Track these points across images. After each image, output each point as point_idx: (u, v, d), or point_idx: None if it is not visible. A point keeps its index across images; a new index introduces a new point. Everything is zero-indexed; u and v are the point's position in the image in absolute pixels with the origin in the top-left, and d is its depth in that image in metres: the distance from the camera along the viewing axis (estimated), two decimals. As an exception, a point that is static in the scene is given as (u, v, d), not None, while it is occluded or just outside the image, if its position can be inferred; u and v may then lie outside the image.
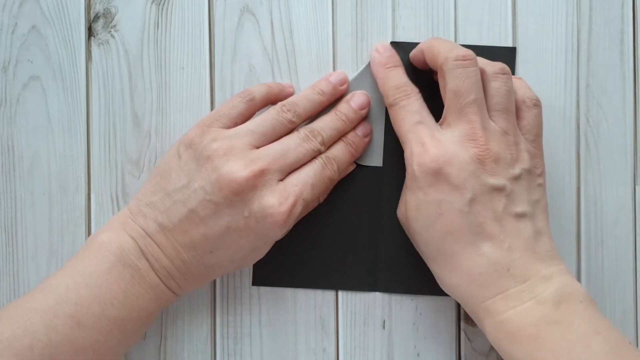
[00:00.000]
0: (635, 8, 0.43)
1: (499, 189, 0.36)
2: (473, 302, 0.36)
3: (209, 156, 0.37)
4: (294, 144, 0.39)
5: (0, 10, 0.43)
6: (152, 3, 0.43)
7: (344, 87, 0.42)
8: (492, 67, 0.38)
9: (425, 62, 0.40)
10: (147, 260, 0.37)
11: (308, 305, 0.43)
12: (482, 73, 0.38)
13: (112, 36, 0.43)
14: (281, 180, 0.38)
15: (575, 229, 0.43)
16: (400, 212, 0.40)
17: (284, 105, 0.39)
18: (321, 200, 0.42)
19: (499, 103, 0.37)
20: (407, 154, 0.38)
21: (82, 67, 0.43)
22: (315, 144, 0.39)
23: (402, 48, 0.42)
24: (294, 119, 0.39)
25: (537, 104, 0.39)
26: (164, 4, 0.43)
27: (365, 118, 0.42)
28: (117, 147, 0.43)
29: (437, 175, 0.36)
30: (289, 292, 0.43)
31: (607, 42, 0.43)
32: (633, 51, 0.43)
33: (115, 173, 0.43)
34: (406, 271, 0.42)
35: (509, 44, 0.43)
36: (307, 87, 0.41)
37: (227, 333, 0.43)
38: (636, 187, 0.43)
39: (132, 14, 0.43)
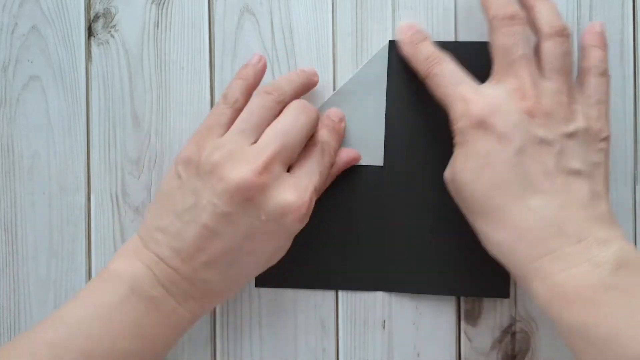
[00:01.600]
0: (635, 8, 0.43)
1: (548, 143, 0.35)
2: (521, 261, 0.34)
3: (210, 169, 0.36)
4: (291, 120, 0.37)
5: (0, 10, 0.43)
6: (152, 3, 0.43)
7: (316, 79, 0.42)
8: (549, 27, 0.37)
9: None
10: (163, 286, 0.35)
11: (308, 305, 0.43)
12: (539, 32, 0.37)
13: (112, 36, 0.43)
14: (288, 170, 0.37)
15: (575, 229, 0.43)
16: (448, 171, 0.38)
17: (267, 87, 0.39)
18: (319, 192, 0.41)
19: (551, 62, 0.37)
20: (451, 115, 0.37)
21: (82, 67, 0.43)
22: (311, 113, 0.38)
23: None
24: (280, 98, 0.38)
25: (604, 74, 0.38)
26: (164, 4, 0.43)
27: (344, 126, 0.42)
28: (117, 147, 0.43)
29: (483, 124, 0.35)
30: (289, 292, 0.43)
31: (607, 42, 0.43)
32: (633, 51, 0.43)
33: (115, 173, 0.43)
34: (407, 271, 0.42)
35: (509, 44, 0.43)
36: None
37: (227, 334, 0.43)
38: (636, 187, 0.43)
39: (132, 14, 0.43)
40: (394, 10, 0.43)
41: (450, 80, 0.37)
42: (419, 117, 0.42)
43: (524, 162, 0.34)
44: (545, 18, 0.38)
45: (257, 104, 0.38)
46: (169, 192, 0.37)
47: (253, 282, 0.43)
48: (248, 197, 0.35)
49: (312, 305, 0.43)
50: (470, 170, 0.35)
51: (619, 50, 0.43)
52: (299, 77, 0.40)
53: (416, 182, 0.42)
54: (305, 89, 0.41)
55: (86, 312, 0.35)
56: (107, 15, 0.43)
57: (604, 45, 0.39)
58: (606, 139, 0.37)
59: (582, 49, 0.39)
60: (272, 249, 0.37)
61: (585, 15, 0.43)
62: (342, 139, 0.42)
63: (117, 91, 0.43)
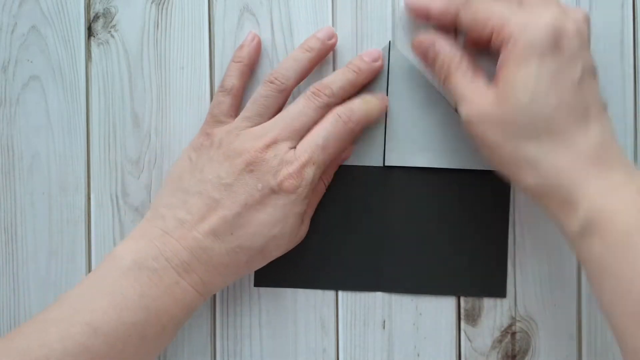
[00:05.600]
0: (635, 8, 0.43)
1: (595, 75, 0.36)
2: (573, 185, 0.34)
3: (219, 148, 0.38)
4: (298, 107, 0.39)
5: (0, 10, 0.43)
6: (152, 3, 0.43)
7: (333, 40, 0.41)
8: None
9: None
10: (165, 258, 0.36)
11: (308, 305, 0.43)
12: None
13: (112, 36, 0.43)
14: (294, 147, 0.38)
15: (575, 229, 0.43)
16: (483, 99, 0.36)
17: (270, 75, 0.40)
18: (326, 184, 0.41)
19: None
20: (512, 29, 0.35)
21: (82, 67, 0.43)
22: (323, 99, 0.39)
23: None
24: (283, 86, 0.39)
25: None
26: (164, 4, 0.43)
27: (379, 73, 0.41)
28: (117, 147, 0.43)
29: (554, 41, 0.34)
30: (289, 292, 0.43)
31: (607, 42, 0.43)
32: (633, 51, 0.43)
33: (115, 173, 0.43)
34: (407, 271, 0.42)
35: (509, 44, 0.43)
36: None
37: (227, 333, 0.43)
38: (636, 187, 0.43)
39: (132, 14, 0.43)
40: (394, 10, 0.43)
41: (482, 8, 0.37)
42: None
43: (585, 88, 0.35)
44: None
45: (260, 93, 0.40)
46: (179, 174, 0.39)
47: (253, 282, 0.43)
48: (249, 169, 0.37)
49: (312, 305, 0.43)
50: (533, 92, 0.34)
51: (619, 50, 0.43)
52: (306, 52, 0.40)
53: (416, 182, 0.42)
54: (317, 61, 0.41)
55: (89, 290, 0.36)
56: (107, 15, 0.43)
57: None
58: None
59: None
60: (269, 221, 0.38)
61: (585, 15, 0.43)
62: (379, 113, 0.41)
63: (117, 91, 0.43)
